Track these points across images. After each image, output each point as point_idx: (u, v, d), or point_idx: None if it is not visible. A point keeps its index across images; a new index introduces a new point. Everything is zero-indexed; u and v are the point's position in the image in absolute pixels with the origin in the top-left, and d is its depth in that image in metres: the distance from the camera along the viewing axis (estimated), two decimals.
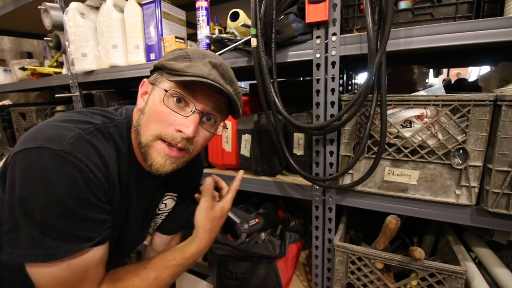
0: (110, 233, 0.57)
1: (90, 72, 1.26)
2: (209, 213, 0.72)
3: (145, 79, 0.63)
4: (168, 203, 0.80)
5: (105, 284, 0.58)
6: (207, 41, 1.01)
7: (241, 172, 0.82)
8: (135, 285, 0.59)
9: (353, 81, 1.55)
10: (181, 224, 0.88)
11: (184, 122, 0.56)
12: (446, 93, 0.70)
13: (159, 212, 0.80)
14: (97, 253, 0.54)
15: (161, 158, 0.57)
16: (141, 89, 0.63)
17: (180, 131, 0.56)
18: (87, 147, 0.51)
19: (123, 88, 1.82)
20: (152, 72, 0.63)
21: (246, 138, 0.97)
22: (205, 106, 0.58)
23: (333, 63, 0.76)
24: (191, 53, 0.58)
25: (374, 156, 0.73)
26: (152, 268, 0.63)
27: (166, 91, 0.56)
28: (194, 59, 0.56)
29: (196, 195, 0.79)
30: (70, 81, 1.35)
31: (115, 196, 0.58)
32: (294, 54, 0.81)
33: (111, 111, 0.64)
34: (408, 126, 0.71)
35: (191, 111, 0.57)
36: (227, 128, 0.69)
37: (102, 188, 0.53)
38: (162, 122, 0.56)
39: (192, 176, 0.84)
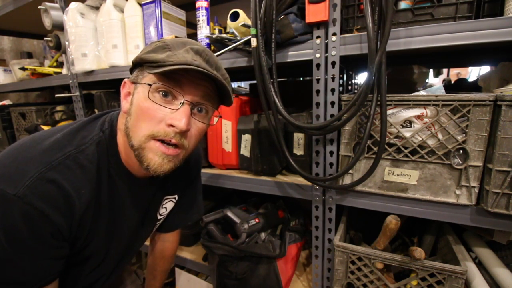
0: (65, 266, 0.56)
1: (90, 72, 1.26)
2: None
3: (125, 79, 0.59)
4: (168, 206, 0.80)
5: None
6: (207, 41, 1.01)
7: None
8: None
9: (353, 81, 1.55)
10: (178, 223, 0.88)
11: (174, 115, 0.52)
12: (446, 93, 0.70)
13: (160, 217, 0.79)
14: None
15: (158, 158, 0.54)
16: (123, 91, 0.59)
17: (172, 126, 0.52)
18: (45, 188, 0.47)
19: None
20: (131, 70, 0.59)
21: (246, 138, 0.97)
22: (194, 96, 0.55)
23: (333, 63, 0.76)
24: (170, 42, 0.54)
25: (374, 156, 0.73)
26: None
27: (150, 85, 0.52)
28: (174, 48, 0.53)
29: None
30: (70, 81, 1.35)
31: (86, 220, 0.55)
32: (294, 54, 0.81)
33: (92, 125, 0.60)
34: (408, 126, 0.71)
35: (180, 103, 0.53)
36: (220, 117, 0.65)
37: (58, 231, 0.50)
38: (152, 119, 0.52)
39: (191, 175, 0.83)
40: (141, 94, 0.54)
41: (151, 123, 0.53)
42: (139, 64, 0.56)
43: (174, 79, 0.53)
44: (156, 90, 0.53)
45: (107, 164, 0.58)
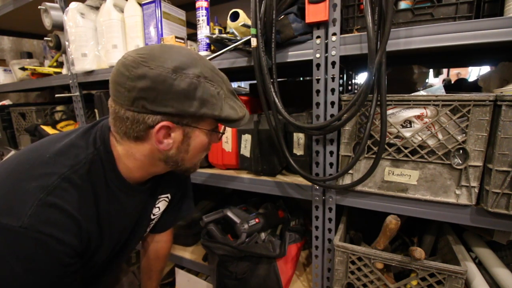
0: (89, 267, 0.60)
1: (90, 72, 1.26)
2: None
3: (168, 124, 0.52)
4: (161, 205, 0.80)
5: None
6: (207, 41, 1.01)
7: None
8: None
9: (353, 81, 1.55)
10: (171, 221, 0.88)
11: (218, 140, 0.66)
12: (446, 93, 0.70)
13: (154, 216, 0.80)
14: None
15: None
16: (161, 133, 0.53)
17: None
18: (49, 213, 0.47)
19: None
20: (176, 115, 0.53)
21: (246, 138, 0.97)
22: None
23: (333, 63, 0.76)
24: (216, 81, 0.56)
25: (374, 156, 0.73)
26: None
27: (220, 132, 0.64)
28: (225, 95, 0.58)
29: None
30: (70, 81, 1.35)
31: (93, 236, 0.57)
32: (294, 54, 0.81)
33: (83, 141, 0.58)
34: (408, 126, 0.71)
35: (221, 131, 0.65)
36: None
37: (70, 250, 0.50)
38: (208, 150, 0.65)
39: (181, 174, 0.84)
40: (203, 136, 0.60)
41: (207, 152, 0.65)
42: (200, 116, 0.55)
43: None
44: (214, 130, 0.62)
45: (103, 178, 0.58)
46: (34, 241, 0.45)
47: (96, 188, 0.57)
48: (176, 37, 1.06)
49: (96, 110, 1.36)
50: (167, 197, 0.81)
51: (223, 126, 0.64)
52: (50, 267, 0.48)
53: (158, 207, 0.79)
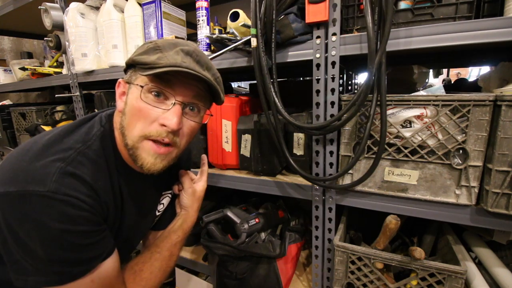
0: (114, 240, 0.59)
1: (90, 72, 1.26)
2: (194, 196, 0.79)
3: (120, 79, 0.61)
4: (165, 201, 0.81)
5: (130, 280, 0.61)
6: (207, 41, 1.01)
7: (204, 155, 0.87)
8: (157, 268, 0.66)
9: (353, 81, 1.55)
10: (172, 219, 0.89)
11: (166, 115, 0.55)
12: (446, 93, 0.70)
13: (159, 213, 0.80)
14: (110, 263, 0.56)
15: (151, 157, 0.57)
16: (118, 90, 0.61)
17: (164, 125, 0.55)
18: (71, 181, 0.50)
19: None
20: (126, 70, 0.61)
21: (246, 138, 0.97)
22: (185, 97, 0.57)
23: (333, 63, 0.76)
24: (161, 43, 0.56)
25: (374, 156, 0.73)
26: (164, 249, 0.71)
27: (142, 86, 0.54)
28: (165, 49, 0.55)
29: (175, 186, 0.81)
30: (70, 81, 1.35)
31: (110, 209, 0.58)
32: (294, 54, 0.81)
33: (91, 122, 0.62)
34: (408, 126, 0.71)
35: (172, 103, 0.55)
36: (211, 115, 0.69)
37: (96, 212, 0.53)
38: (145, 119, 0.55)
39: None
40: (135, 94, 0.56)
41: (145, 123, 0.55)
42: (132, 65, 0.58)
43: (165, 80, 0.55)
44: (148, 91, 0.55)
45: (113, 157, 0.61)
46: (63, 202, 0.48)
47: (109, 166, 0.59)
48: (176, 37, 1.06)
49: (96, 110, 1.36)
50: (171, 193, 0.82)
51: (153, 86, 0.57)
52: (83, 227, 0.50)
53: (163, 204, 0.80)
